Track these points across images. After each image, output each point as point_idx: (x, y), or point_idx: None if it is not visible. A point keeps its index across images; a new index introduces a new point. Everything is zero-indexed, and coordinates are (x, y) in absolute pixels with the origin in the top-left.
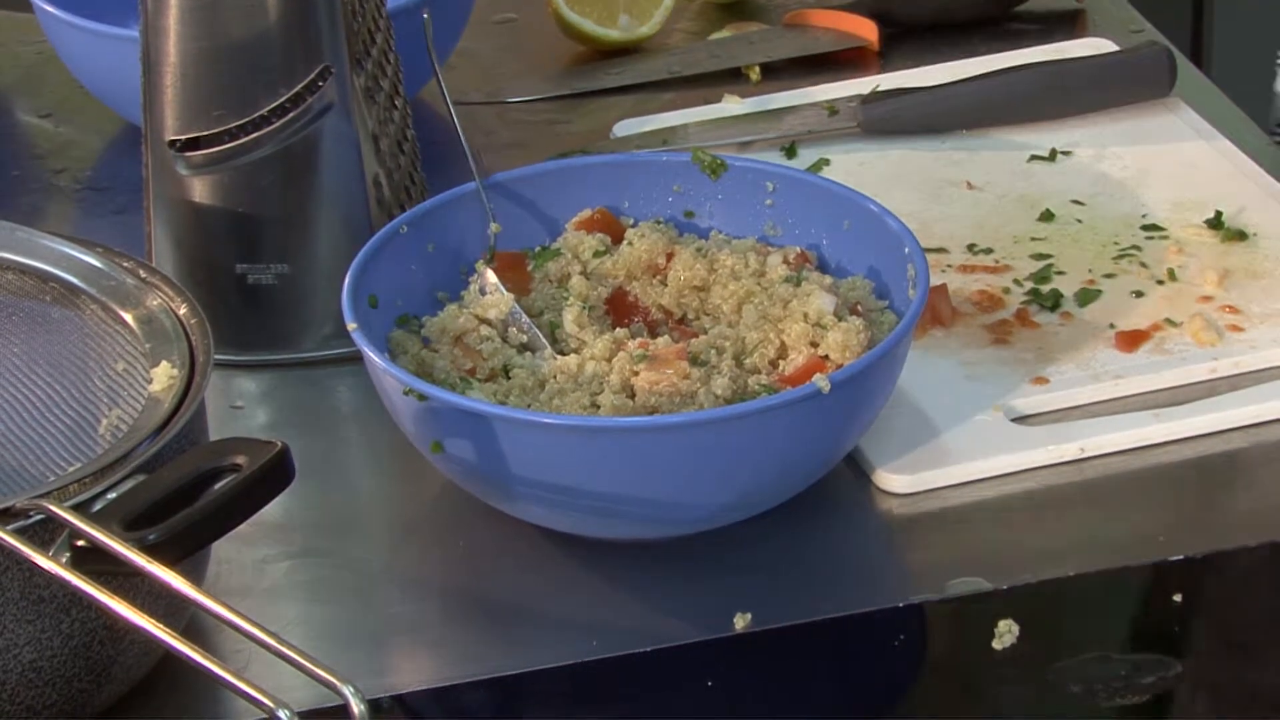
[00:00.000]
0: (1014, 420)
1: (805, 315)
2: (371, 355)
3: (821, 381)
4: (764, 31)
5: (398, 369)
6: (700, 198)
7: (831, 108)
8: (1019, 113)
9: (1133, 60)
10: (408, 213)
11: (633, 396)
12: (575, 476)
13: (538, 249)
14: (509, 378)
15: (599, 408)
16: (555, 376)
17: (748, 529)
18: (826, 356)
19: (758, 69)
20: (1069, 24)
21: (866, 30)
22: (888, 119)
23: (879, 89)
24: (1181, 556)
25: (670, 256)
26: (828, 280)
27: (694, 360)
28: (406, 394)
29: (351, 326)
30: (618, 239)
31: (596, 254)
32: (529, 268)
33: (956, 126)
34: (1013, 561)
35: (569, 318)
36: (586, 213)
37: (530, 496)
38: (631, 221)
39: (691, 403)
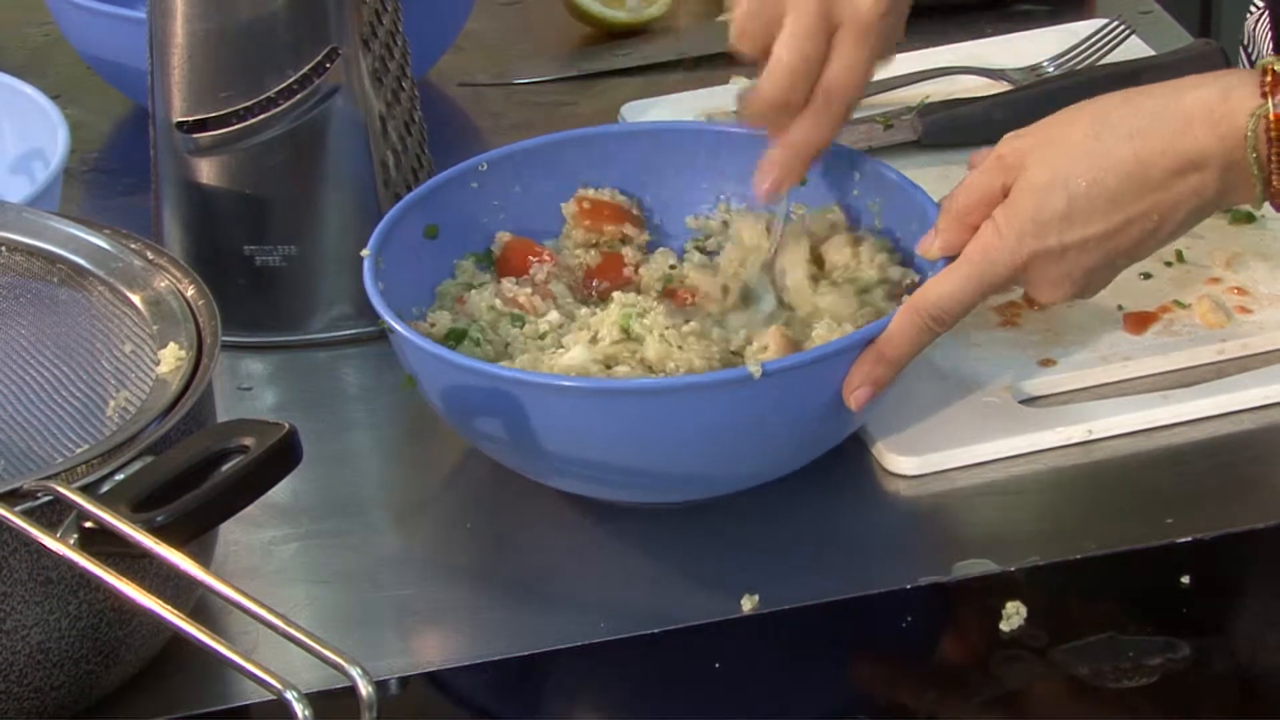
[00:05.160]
0: (1022, 402)
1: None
2: (370, 286)
3: (754, 368)
4: None
5: (380, 296)
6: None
7: (886, 121)
8: None
9: (1189, 61)
10: (492, 152)
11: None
12: (551, 433)
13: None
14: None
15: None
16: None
17: (756, 510)
18: None
19: None
20: (1077, 4)
21: None
22: (947, 131)
23: (929, 100)
24: (1190, 538)
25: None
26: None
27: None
28: (379, 325)
29: (364, 252)
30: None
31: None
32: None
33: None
34: (1020, 543)
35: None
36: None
37: (501, 439)
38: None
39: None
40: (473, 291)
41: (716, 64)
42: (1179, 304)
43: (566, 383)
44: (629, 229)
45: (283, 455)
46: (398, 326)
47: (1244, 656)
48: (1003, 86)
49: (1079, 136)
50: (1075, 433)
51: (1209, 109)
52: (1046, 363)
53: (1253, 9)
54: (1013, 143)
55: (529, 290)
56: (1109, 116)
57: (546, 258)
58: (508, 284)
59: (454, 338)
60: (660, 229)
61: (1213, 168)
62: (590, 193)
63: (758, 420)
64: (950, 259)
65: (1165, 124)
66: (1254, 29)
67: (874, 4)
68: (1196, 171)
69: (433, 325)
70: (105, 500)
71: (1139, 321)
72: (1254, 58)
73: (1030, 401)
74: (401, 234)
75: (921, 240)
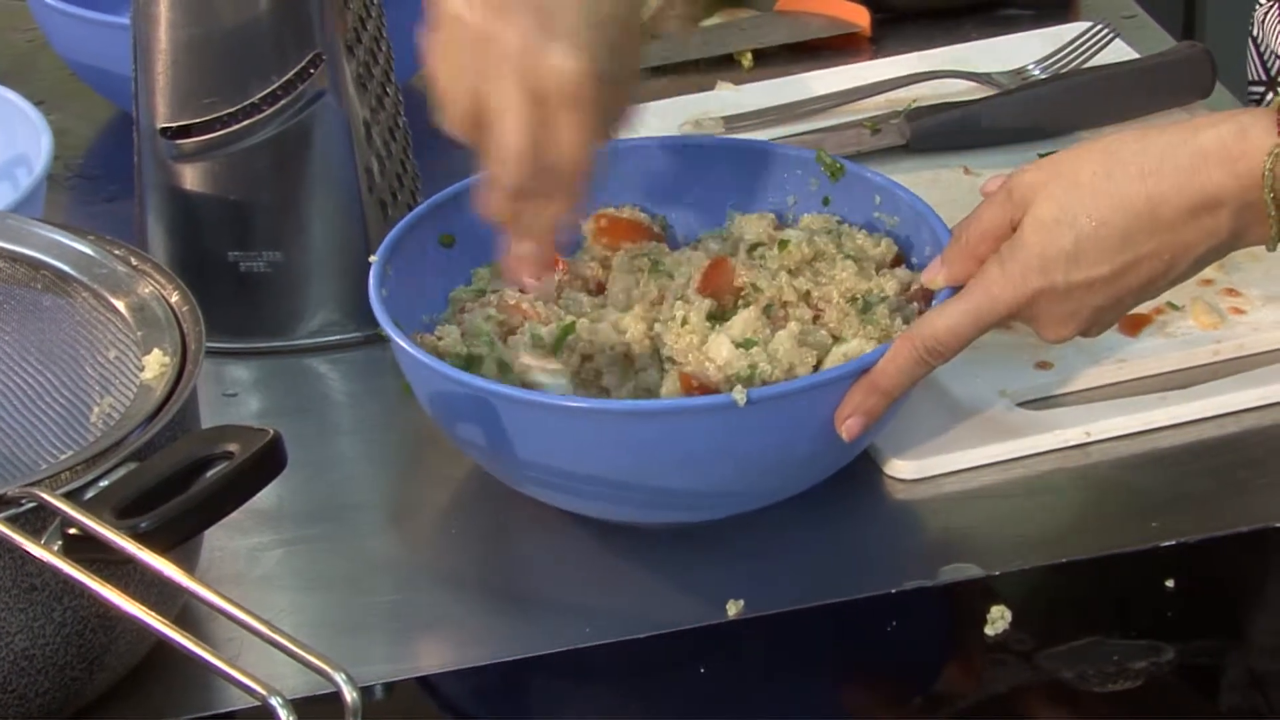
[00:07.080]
0: (1019, 405)
1: (845, 354)
2: (374, 294)
3: (739, 395)
4: (756, 18)
5: (382, 304)
6: (806, 197)
7: (874, 126)
8: (1063, 122)
9: (1175, 64)
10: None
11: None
12: (534, 448)
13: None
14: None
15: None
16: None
17: (744, 516)
18: None
19: (750, 55)
20: (1062, 8)
21: (858, 16)
22: (934, 135)
23: (915, 104)
24: (1175, 542)
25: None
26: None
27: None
28: (378, 335)
29: (371, 258)
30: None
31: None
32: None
33: (1002, 141)
34: (1010, 547)
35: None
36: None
37: (480, 444)
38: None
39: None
40: (468, 305)
41: (702, 69)
42: (1172, 306)
43: (546, 400)
44: (649, 246)
45: (267, 461)
46: (392, 335)
47: (1229, 661)
48: (989, 90)
49: (1089, 174)
50: (1073, 435)
51: (1225, 147)
52: (1043, 365)
53: (1262, 1)
54: (1023, 176)
55: (531, 298)
56: (1120, 154)
57: (560, 266)
58: (509, 292)
59: (469, 364)
60: (683, 245)
61: (1228, 208)
62: (610, 211)
63: (749, 445)
64: (955, 289)
65: (1178, 162)
66: (1264, 20)
67: (575, 75)
68: (1210, 212)
69: (440, 339)
70: (89, 507)
71: (1133, 323)
72: (1263, 49)
73: (1027, 404)
74: (414, 242)
75: (927, 269)
